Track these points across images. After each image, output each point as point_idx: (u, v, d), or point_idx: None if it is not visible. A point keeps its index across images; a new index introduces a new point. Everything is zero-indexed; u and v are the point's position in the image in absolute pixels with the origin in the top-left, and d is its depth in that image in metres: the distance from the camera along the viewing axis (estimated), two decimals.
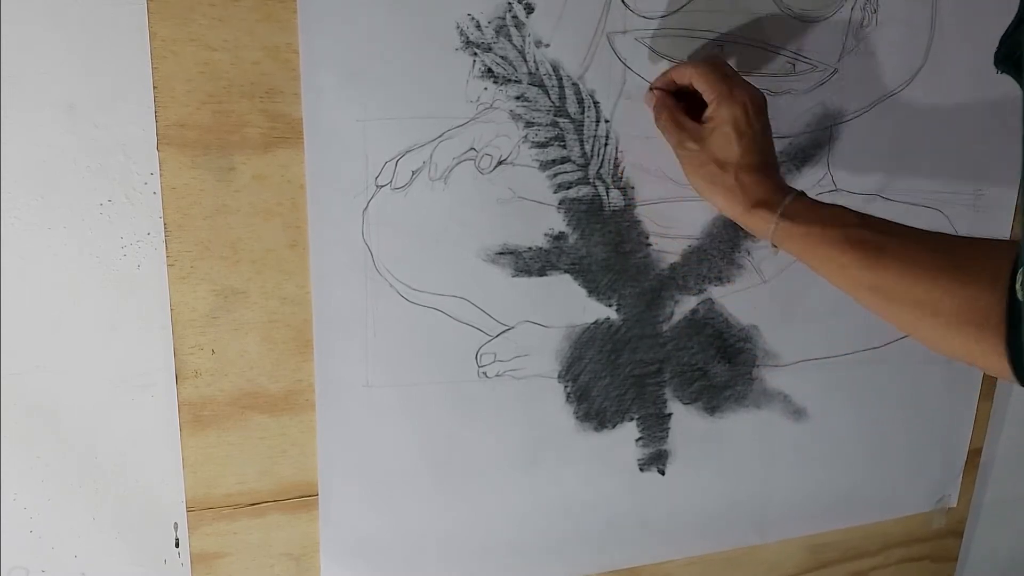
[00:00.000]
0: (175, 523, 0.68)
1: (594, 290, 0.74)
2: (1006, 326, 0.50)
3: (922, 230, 0.59)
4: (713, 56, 0.70)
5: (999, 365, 0.52)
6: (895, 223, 0.60)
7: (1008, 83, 0.86)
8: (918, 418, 0.91)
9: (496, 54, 0.66)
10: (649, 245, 0.75)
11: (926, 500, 0.96)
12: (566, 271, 0.73)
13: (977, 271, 0.53)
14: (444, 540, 0.76)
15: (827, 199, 0.79)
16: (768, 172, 0.64)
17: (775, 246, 0.63)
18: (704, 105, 0.65)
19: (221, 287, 0.64)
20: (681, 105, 0.68)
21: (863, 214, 0.61)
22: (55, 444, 0.63)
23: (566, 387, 0.76)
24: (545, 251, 0.72)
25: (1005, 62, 0.43)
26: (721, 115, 0.64)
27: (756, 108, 0.64)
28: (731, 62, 0.72)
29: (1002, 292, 0.51)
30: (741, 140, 0.63)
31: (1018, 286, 0.48)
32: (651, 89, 0.69)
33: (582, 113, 0.69)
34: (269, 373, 0.67)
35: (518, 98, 0.67)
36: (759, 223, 0.63)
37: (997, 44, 0.46)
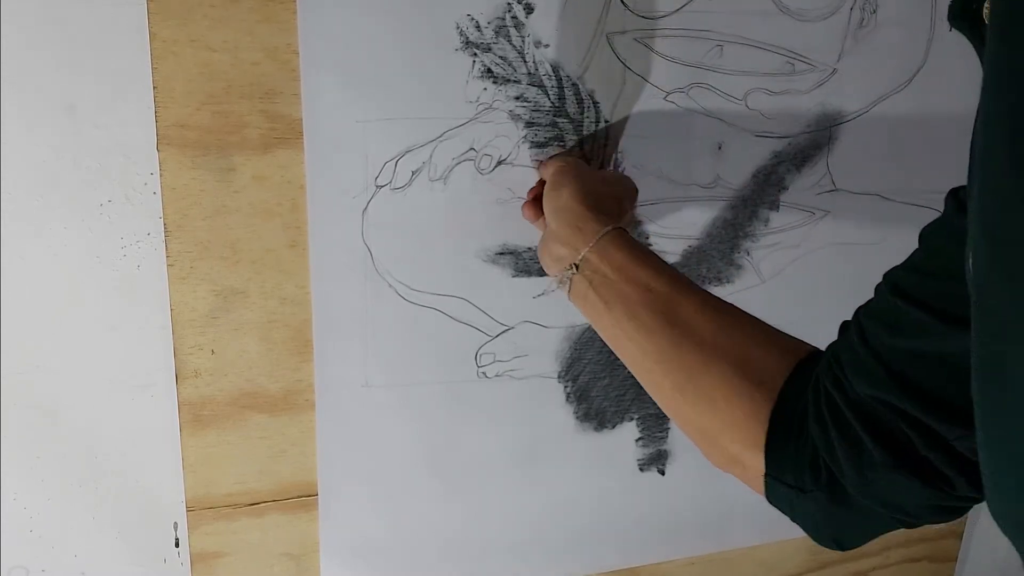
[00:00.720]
0: (175, 523, 0.68)
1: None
2: (780, 394, 0.47)
3: (734, 314, 0.55)
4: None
5: (748, 435, 0.48)
6: (710, 301, 0.56)
7: None
8: None
9: (496, 54, 0.66)
10: (649, 245, 0.75)
11: None
12: None
13: (775, 342, 0.51)
14: (444, 540, 0.76)
15: (827, 199, 0.79)
16: (621, 217, 0.64)
17: (571, 267, 0.59)
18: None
19: (221, 287, 0.64)
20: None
21: (685, 277, 0.58)
22: (55, 444, 0.63)
23: (566, 387, 0.76)
24: None
25: (960, 17, 0.39)
26: (547, 171, 0.66)
27: (575, 167, 0.65)
28: (731, 62, 0.72)
29: (790, 365, 0.48)
30: (566, 178, 0.63)
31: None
32: (527, 205, 0.69)
33: (581, 113, 0.69)
34: (269, 373, 0.67)
35: (518, 98, 0.67)
36: (593, 220, 0.59)
37: None
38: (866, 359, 0.43)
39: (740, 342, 0.50)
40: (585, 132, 0.70)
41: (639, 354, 0.55)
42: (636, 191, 0.68)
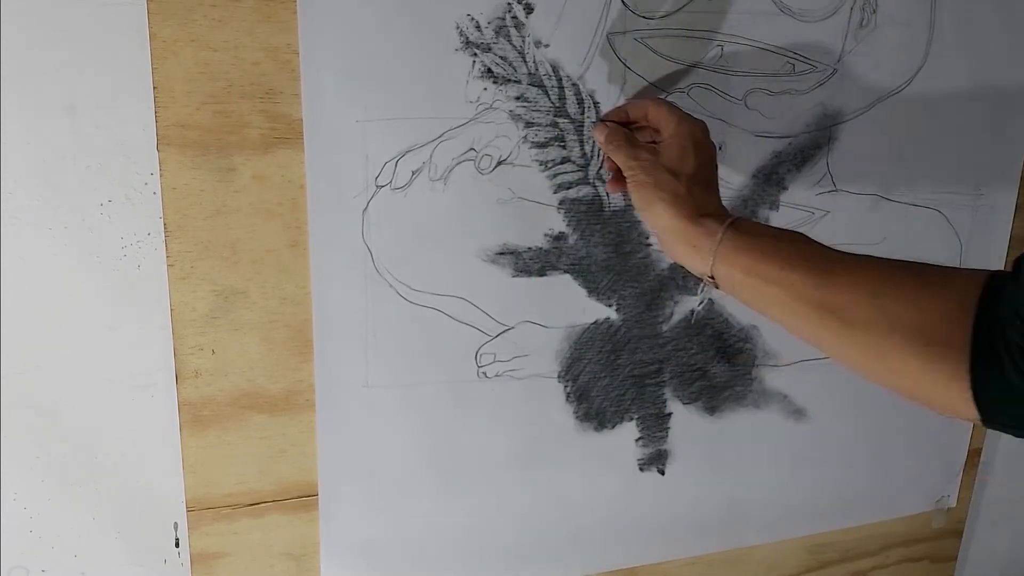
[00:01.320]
0: (175, 523, 0.68)
1: (594, 290, 0.74)
2: (971, 351, 0.46)
3: (880, 257, 0.54)
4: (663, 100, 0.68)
5: (957, 395, 0.47)
6: (854, 253, 0.55)
7: (1006, 84, 0.86)
8: (917, 418, 0.91)
9: (496, 54, 0.66)
10: (649, 245, 0.75)
11: (925, 500, 0.96)
12: (566, 271, 0.73)
13: (940, 288, 0.49)
14: (444, 540, 0.76)
15: (827, 199, 0.79)
16: (717, 192, 0.63)
17: (711, 277, 0.58)
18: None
19: (221, 287, 0.64)
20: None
21: (815, 241, 0.57)
22: (55, 444, 0.63)
23: (566, 387, 0.76)
24: (545, 251, 0.72)
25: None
26: (682, 130, 0.62)
27: (707, 135, 0.64)
28: (732, 62, 0.72)
29: (968, 311, 0.47)
30: (699, 154, 0.62)
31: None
32: (601, 122, 0.68)
33: (582, 113, 0.69)
34: (269, 373, 0.67)
35: (518, 98, 0.67)
36: (703, 234, 0.58)
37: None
38: None
39: (908, 309, 0.49)
40: (585, 132, 0.70)
41: (818, 343, 0.54)
42: (706, 130, 0.64)
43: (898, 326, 0.49)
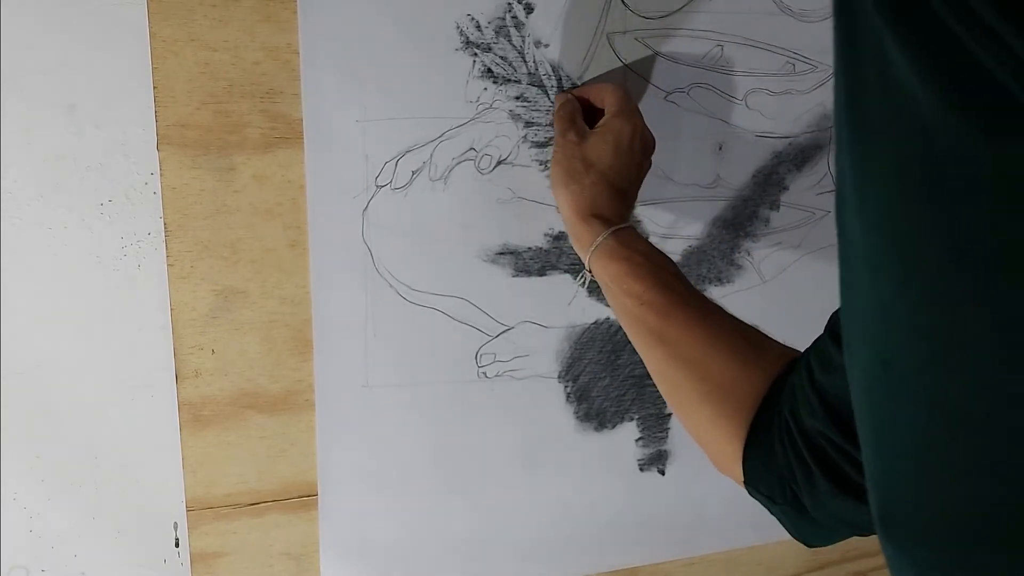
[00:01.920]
0: (175, 523, 0.68)
1: (594, 290, 0.74)
2: (751, 421, 0.50)
3: (722, 311, 0.58)
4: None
5: (731, 454, 0.52)
6: (707, 298, 0.59)
7: None
8: None
9: (496, 54, 0.66)
10: None
11: None
12: (566, 271, 0.73)
13: (755, 359, 0.53)
14: (444, 539, 0.76)
15: (828, 199, 0.79)
16: (623, 199, 0.63)
17: (588, 271, 0.61)
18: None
19: (221, 287, 0.64)
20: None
21: (682, 274, 0.60)
22: (55, 444, 0.63)
23: (566, 387, 0.76)
24: (545, 251, 0.72)
25: None
26: (613, 125, 0.63)
27: (644, 142, 0.64)
28: (732, 62, 0.72)
29: (763, 389, 0.51)
30: (618, 155, 0.62)
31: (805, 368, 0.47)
32: (563, 93, 0.68)
33: None
34: (269, 373, 0.67)
35: (518, 98, 0.67)
36: (587, 233, 0.61)
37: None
38: (809, 392, 0.46)
39: (724, 363, 0.53)
40: None
41: (644, 359, 0.59)
42: (636, 134, 0.63)
43: (709, 376, 0.53)
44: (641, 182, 0.65)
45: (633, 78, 0.70)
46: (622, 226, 0.61)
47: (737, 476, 0.53)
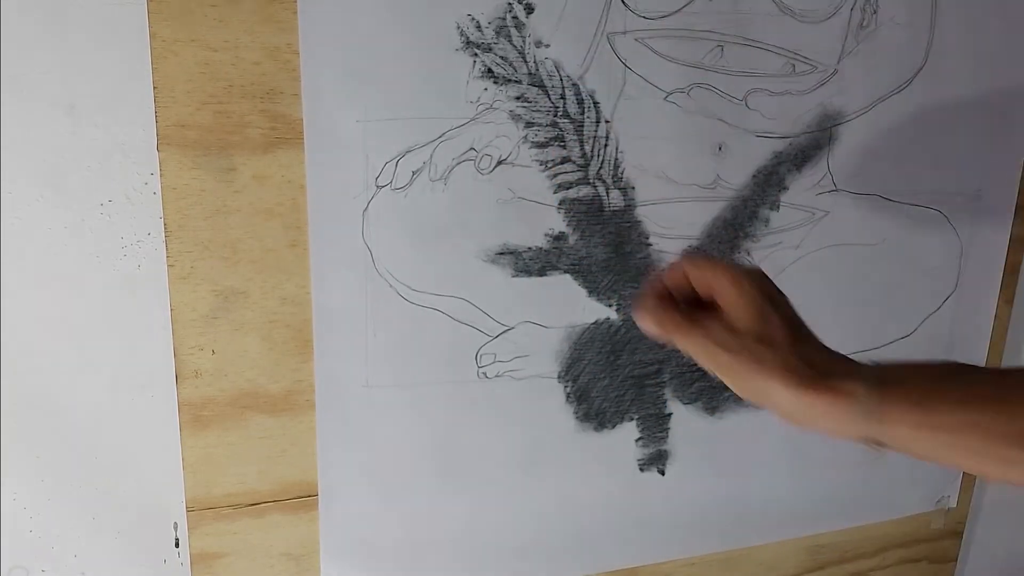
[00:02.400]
0: (175, 523, 0.68)
1: (594, 290, 0.74)
2: None
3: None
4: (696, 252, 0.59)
5: None
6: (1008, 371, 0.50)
7: (1006, 84, 0.86)
8: None
9: (496, 54, 0.66)
10: (649, 245, 0.75)
11: (925, 501, 0.96)
12: (566, 271, 0.73)
13: None
14: (444, 540, 0.76)
15: (827, 199, 0.79)
16: (819, 341, 0.52)
17: (877, 442, 0.50)
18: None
19: (221, 287, 0.64)
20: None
21: (946, 362, 0.50)
22: (55, 444, 0.63)
23: (566, 387, 0.76)
24: (545, 251, 0.72)
25: None
26: (747, 292, 0.51)
27: (770, 281, 0.54)
28: (732, 62, 0.72)
29: None
30: (779, 309, 0.51)
31: None
32: (640, 309, 0.55)
33: (582, 114, 0.69)
34: (269, 373, 0.67)
35: (518, 98, 0.67)
36: (840, 401, 0.48)
37: None
38: None
39: None
40: (585, 132, 0.70)
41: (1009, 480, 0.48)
42: (767, 276, 0.53)
43: None
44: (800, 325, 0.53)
45: (633, 78, 0.70)
46: (868, 365, 0.50)
47: None
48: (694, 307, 0.54)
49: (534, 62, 0.67)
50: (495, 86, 0.66)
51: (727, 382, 0.52)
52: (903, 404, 0.47)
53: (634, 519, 0.82)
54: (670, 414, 0.80)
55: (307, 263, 0.65)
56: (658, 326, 0.54)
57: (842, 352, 0.53)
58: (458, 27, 0.64)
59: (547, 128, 0.69)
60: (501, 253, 0.70)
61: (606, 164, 0.71)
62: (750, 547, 0.89)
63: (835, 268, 0.82)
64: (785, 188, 0.78)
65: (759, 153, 0.76)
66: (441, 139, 0.66)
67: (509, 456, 0.76)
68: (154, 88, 0.59)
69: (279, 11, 0.60)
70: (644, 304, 0.55)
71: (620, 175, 0.72)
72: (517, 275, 0.71)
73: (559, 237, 0.72)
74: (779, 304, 0.52)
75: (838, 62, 0.76)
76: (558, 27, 0.67)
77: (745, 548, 0.89)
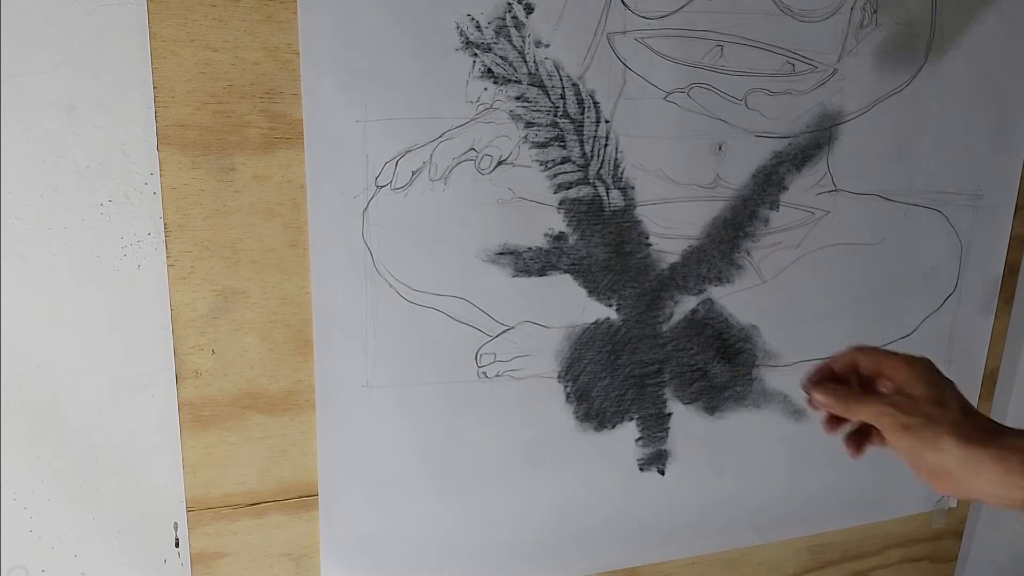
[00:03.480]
0: (175, 523, 0.68)
1: (594, 290, 0.74)
2: None
3: None
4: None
5: None
6: None
7: (1006, 84, 0.86)
8: None
9: (496, 54, 0.66)
10: (649, 245, 0.75)
11: (926, 500, 0.96)
12: (566, 271, 0.73)
13: None
14: (444, 540, 0.76)
15: (827, 199, 0.79)
16: (980, 417, 0.55)
17: None
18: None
19: (221, 287, 0.64)
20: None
21: None
22: (55, 444, 0.63)
23: (566, 387, 0.76)
24: (545, 251, 0.72)
25: None
26: (918, 367, 0.56)
27: (933, 369, 0.58)
28: (732, 62, 0.72)
29: None
30: (947, 384, 0.56)
31: None
32: (812, 391, 0.59)
33: (582, 113, 0.69)
34: (269, 373, 0.67)
35: (518, 98, 0.67)
36: (1009, 456, 0.52)
37: None
38: None
39: None
40: (585, 132, 0.70)
41: None
42: (933, 365, 0.58)
43: None
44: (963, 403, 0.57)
45: (633, 78, 0.70)
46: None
47: None
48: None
49: (534, 62, 0.67)
50: (495, 86, 0.66)
51: (901, 443, 0.56)
52: None
53: (634, 519, 0.82)
54: (670, 414, 0.80)
55: (307, 263, 0.65)
56: (833, 397, 0.58)
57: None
58: (458, 27, 0.64)
59: (547, 128, 0.69)
60: (501, 253, 0.70)
61: (606, 164, 0.71)
62: (750, 547, 0.89)
63: (835, 268, 0.82)
64: (785, 188, 0.78)
65: (759, 153, 0.76)
66: (441, 139, 0.66)
67: (509, 456, 0.76)
68: (154, 88, 0.59)
69: (279, 11, 0.60)
70: (815, 380, 0.60)
71: (620, 175, 0.72)
72: (517, 275, 0.71)
73: (559, 237, 0.72)
74: (948, 382, 0.56)
75: (838, 61, 0.76)
76: (558, 27, 0.67)
77: (745, 548, 0.89)
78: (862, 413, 0.57)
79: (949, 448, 0.53)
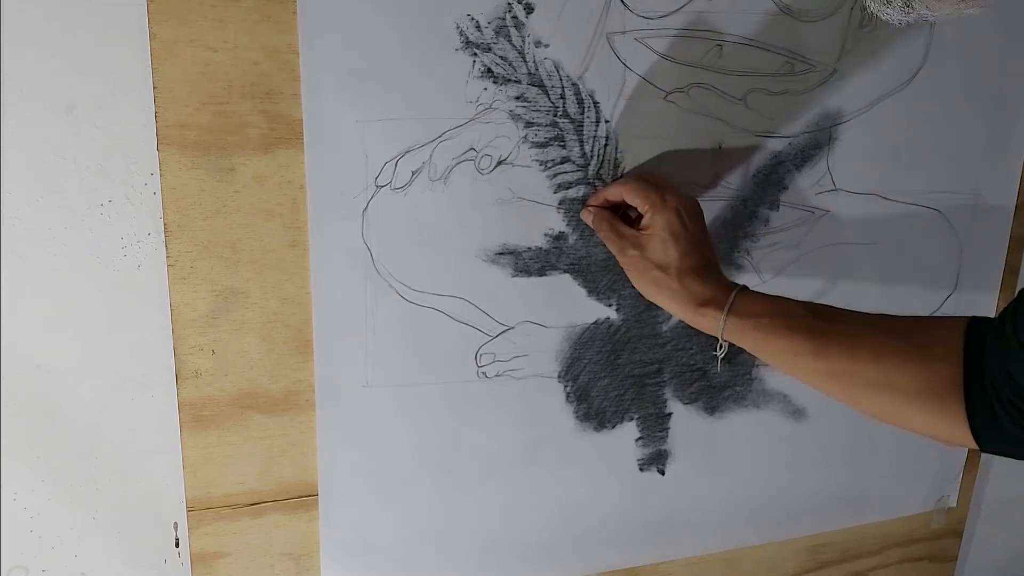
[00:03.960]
0: (175, 523, 0.68)
1: (594, 290, 0.74)
2: (964, 397, 0.54)
3: (870, 314, 0.61)
4: (640, 170, 0.72)
5: (961, 433, 0.55)
6: (843, 309, 0.62)
7: (1006, 84, 0.86)
8: None
9: (496, 54, 0.66)
10: None
11: (926, 500, 0.96)
12: (566, 271, 0.73)
13: (929, 347, 0.56)
14: (444, 540, 0.76)
15: (827, 199, 0.79)
16: (709, 271, 0.66)
17: (726, 341, 0.64)
18: (640, 216, 0.67)
19: (221, 287, 0.64)
20: (618, 216, 0.69)
21: (809, 303, 0.63)
22: (55, 444, 0.63)
23: (566, 387, 0.76)
24: (545, 251, 0.72)
25: None
26: (656, 222, 0.65)
27: (690, 212, 0.66)
28: (732, 62, 0.72)
29: (957, 366, 0.54)
30: (678, 244, 0.65)
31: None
32: (586, 207, 0.70)
33: (582, 113, 0.69)
34: (269, 373, 0.67)
35: (518, 98, 0.67)
36: (707, 322, 0.64)
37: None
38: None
39: (904, 374, 0.57)
40: (585, 132, 0.70)
41: (832, 397, 0.61)
42: (685, 209, 0.66)
43: (898, 389, 0.57)
44: (710, 238, 0.68)
45: (633, 78, 0.70)
46: (733, 298, 0.63)
47: (974, 447, 0.56)
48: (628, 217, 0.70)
49: (534, 62, 0.67)
50: (495, 86, 0.66)
51: (632, 282, 0.69)
52: (747, 332, 0.62)
53: (634, 519, 0.82)
54: (670, 414, 0.80)
55: (307, 263, 0.65)
56: (590, 221, 0.70)
57: None
58: (458, 27, 0.64)
59: (547, 128, 0.69)
60: (501, 253, 0.70)
61: (606, 164, 0.71)
62: (750, 547, 0.89)
63: (835, 267, 0.82)
64: (785, 188, 0.78)
65: (759, 153, 0.76)
66: (441, 139, 0.66)
67: (509, 456, 0.76)
68: (154, 88, 0.59)
69: (279, 11, 0.60)
70: (592, 203, 0.70)
71: (620, 175, 0.72)
72: (517, 275, 0.71)
73: (559, 237, 0.72)
74: (680, 237, 0.65)
75: (838, 61, 0.76)
76: (558, 27, 0.67)
77: (745, 548, 0.89)
78: (608, 245, 0.69)
79: (663, 304, 0.67)
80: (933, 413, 0.55)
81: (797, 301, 0.63)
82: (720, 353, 0.64)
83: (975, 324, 0.56)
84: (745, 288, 0.65)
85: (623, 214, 0.70)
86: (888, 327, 0.59)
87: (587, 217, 0.70)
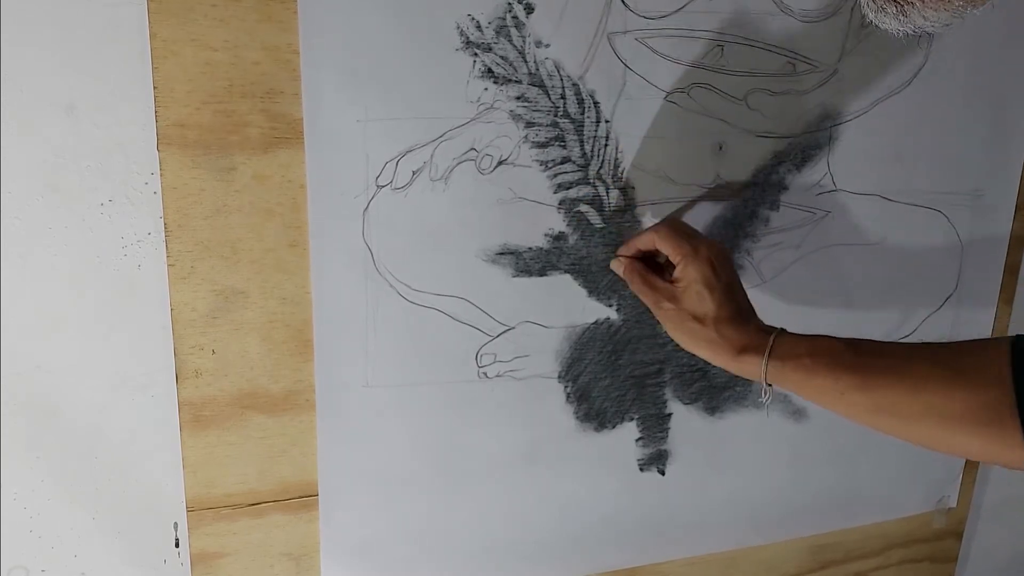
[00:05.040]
0: (175, 523, 0.68)
1: (594, 290, 0.74)
2: (1020, 418, 0.53)
3: (910, 344, 0.61)
4: (671, 219, 0.72)
5: (1020, 456, 0.54)
6: (883, 342, 0.62)
7: (1006, 84, 0.86)
8: None
9: (496, 54, 0.66)
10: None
11: (926, 501, 0.96)
12: (566, 271, 0.73)
13: (975, 371, 0.55)
14: (444, 540, 0.76)
15: (827, 199, 0.79)
16: (745, 318, 0.66)
17: (770, 384, 0.64)
18: (671, 264, 0.68)
19: (221, 287, 0.64)
20: (649, 267, 0.70)
21: (849, 339, 0.63)
22: (55, 444, 0.63)
23: (566, 387, 0.76)
24: (545, 251, 0.72)
25: None
26: (689, 274, 0.66)
27: (721, 261, 0.66)
28: (732, 62, 0.72)
29: (1007, 387, 0.54)
30: (713, 295, 0.65)
31: None
32: (617, 256, 0.71)
33: (582, 113, 0.69)
34: (269, 373, 0.67)
35: (518, 98, 0.67)
36: (749, 368, 0.64)
37: None
38: None
39: (952, 401, 0.56)
40: (586, 132, 0.70)
41: (884, 432, 0.61)
42: (718, 258, 0.66)
43: (948, 416, 0.56)
44: (741, 284, 0.68)
45: (633, 78, 0.70)
46: (772, 341, 0.63)
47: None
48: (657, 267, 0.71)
49: (534, 62, 0.67)
50: (495, 86, 0.66)
51: (669, 333, 0.69)
52: (789, 375, 0.62)
53: (634, 519, 0.82)
54: (670, 414, 0.80)
55: (307, 263, 0.65)
56: (622, 273, 0.71)
57: None
58: (458, 27, 0.64)
59: (547, 128, 0.69)
60: (501, 253, 0.70)
61: (606, 164, 0.71)
62: (750, 547, 0.89)
63: (835, 268, 0.82)
64: (785, 188, 0.78)
65: (759, 153, 0.76)
66: (441, 139, 0.66)
67: (509, 456, 0.76)
68: (154, 88, 0.59)
69: (279, 11, 0.60)
70: (622, 252, 0.71)
71: (620, 175, 0.72)
72: (517, 275, 0.71)
73: (559, 237, 0.72)
74: (714, 289, 0.65)
75: (838, 62, 0.76)
76: (558, 27, 0.67)
77: (745, 548, 0.89)
78: (642, 299, 0.70)
79: (703, 356, 0.66)
80: (988, 437, 0.55)
81: (837, 338, 0.63)
82: (766, 400, 0.64)
83: (1019, 343, 0.55)
84: (783, 330, 0.65)
85: (649, 257, 0.71)
86: (930, 355, 0.59)
87: (618, 268, 0.71)
